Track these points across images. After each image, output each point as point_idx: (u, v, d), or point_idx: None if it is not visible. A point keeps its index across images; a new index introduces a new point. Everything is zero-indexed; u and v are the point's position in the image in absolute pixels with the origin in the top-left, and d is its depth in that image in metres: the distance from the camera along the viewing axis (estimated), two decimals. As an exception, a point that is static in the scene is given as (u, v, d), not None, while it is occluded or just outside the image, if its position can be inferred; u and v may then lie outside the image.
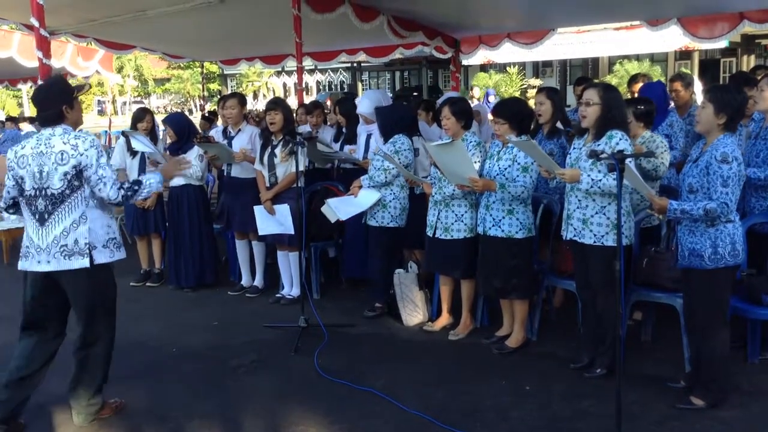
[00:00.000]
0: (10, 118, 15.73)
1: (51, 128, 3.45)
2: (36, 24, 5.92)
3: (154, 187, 3.69)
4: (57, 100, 3.47)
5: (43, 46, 6.01)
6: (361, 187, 5.30)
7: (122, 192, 3.48)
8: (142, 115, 6.37)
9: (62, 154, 3.36)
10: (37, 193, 3.41)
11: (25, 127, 13.67)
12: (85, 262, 3.38)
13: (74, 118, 3.54)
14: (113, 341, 3.74)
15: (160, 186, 3.79)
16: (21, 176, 3.44)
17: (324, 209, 5.33)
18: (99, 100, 44.31)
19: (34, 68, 7.06)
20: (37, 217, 3.42)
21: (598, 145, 3.79)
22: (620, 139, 3.77)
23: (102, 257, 3.47)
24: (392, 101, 6.46)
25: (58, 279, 3.45)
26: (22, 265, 3.49)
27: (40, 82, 3.81)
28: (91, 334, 3.58)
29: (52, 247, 3.38)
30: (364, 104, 5.83)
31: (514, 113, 4.39)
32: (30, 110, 30.79)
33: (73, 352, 3.62)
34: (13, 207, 3.62)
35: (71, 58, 12.11)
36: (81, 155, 3.36)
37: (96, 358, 3.62)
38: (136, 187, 3.57)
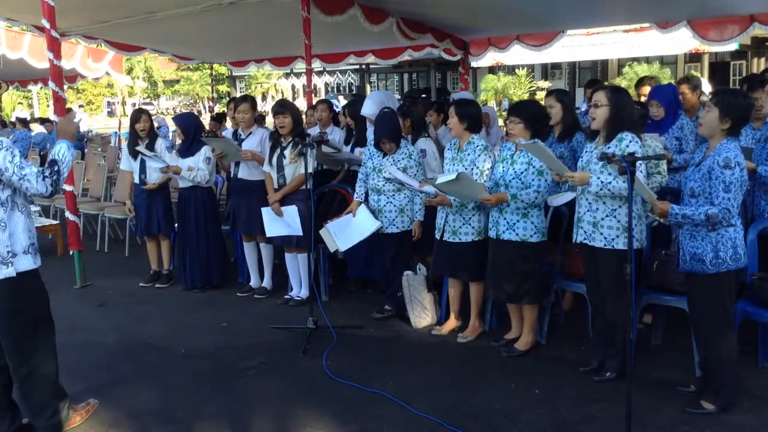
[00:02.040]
0: (20, 120, 15.82)
1: None
2: (47, 25, 5.97)
3: (68, 156, 3.32)
4: None
5: (54, 47, 6.06)
6: (360, 202, 5.31)
7: (48, 180, 3.18)
8: (138, 116, 6.38)
9: None
10: None
11: (36, 128, 13.76)
12: (10, 272, 3.17)
13: None
14: (53, 355, 3.45)
15: (73, 151, 3.41)
16: None
17: (323, 233, 5.31)
18: (108, 102, 44.51)
19: (45, 69, 7.10)
20: None
21: (609, 147, 3.78)
22: (630, 142, 3.76)
23: (24, 264, 3.25)
24: (399, 103, 6.44)
25: None
26: None
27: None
28: (23, 356, 3.31)
29: None
30: (368, 106, 5.82)
31: (530, 114, 4.37)
32: (40, 111, 31.00)
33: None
34: None
35: (81, 59, 12.20)
36: None
37: (34, 383, 3.35)
38: (55, 167, 3.23)
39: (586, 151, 4.05)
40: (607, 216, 3.86)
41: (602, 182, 3.74)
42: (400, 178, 4.78)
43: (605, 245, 3.88)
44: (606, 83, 10.63)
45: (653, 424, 3.51)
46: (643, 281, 4.26)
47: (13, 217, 3.25)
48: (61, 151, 3.32)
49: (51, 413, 3.43)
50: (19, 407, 3.52)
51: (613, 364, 4.03)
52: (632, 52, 24.06)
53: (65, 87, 6.50)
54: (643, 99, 6.16)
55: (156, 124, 6.69)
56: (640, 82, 6.85)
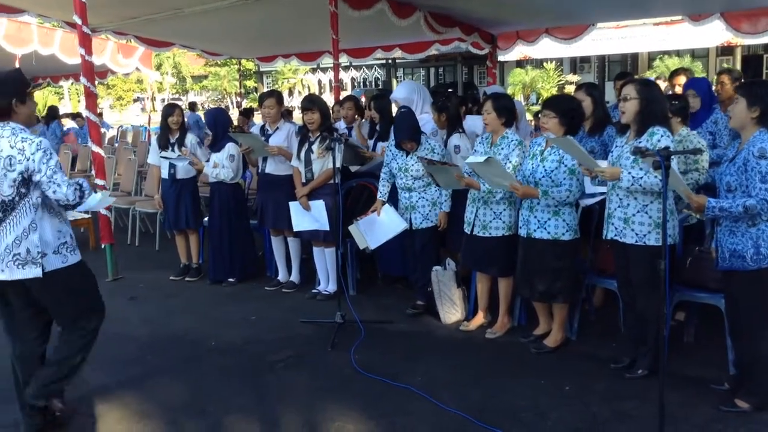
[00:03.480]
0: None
1: (1, 126, 3.27)
2: (79, 21, 6.04)
3: (98, 199, 3.57)
4: (6, 93, 3.28)
5: (85, 43, 6.13)
6: (384, 202, 5.30)
7: (78, 192, 3.32)
8: (171, 111, 6.44)
9: (10, 159, 3.20)
10: None
11: (67, 122, 13.96)
12: (38, 272, 3.26)
13: (25, 114, 3.35)
14: (93, 337, 3.59)
15: (99, 199, 3.61)
16: None
17: (352, 230, 5.31)
18: (138, 97, 45.06)
19: (76, 65, 7.20)
20: None
21: (640, 142, 3.72)
22: (662, 136, 3.69)
23: (53, 264, 3.33)
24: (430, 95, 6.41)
25: (25, 284, 3.33)
26: None
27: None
28: (68, 327, 3.52)
29: (5, 255, 3.25)
30: (399, 91, 5.86)
31: (566, 109, 4.28)
32: (71, 106, 31.44)
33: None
34: None
35: (112, 55, 12.34)
36: (27, 160, 3.20)
37: (69, 349, 3.53)
38: (83, 187, 3.38)
39: (617, 146, 4.00)
40: (638, 212, 3.80)
41: (633, 177, 3.69)
42: (435, 159, 4.82)
43: (636, 241, 3.82)
44: (636, 77, 10.48)
45: (686, 421, 3.46)
46: (676, 278, 4.19)
47: (43, 219, 3.33)
48: (95, 200, 3.51)
49: (48, 389, 3.49)
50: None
51: (644, 362, 3.97)
52: (663, 45, 23.67)
53: (96, 82, 6.58)
54: (678, 90, 6.06)
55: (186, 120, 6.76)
56: (675, 72, 6.74)
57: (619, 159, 3.88)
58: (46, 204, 3.34)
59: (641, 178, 3.66)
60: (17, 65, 12.67)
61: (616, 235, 3.91)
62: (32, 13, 8.80)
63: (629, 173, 3.70)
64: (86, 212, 3.36)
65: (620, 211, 3.87)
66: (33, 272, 3.27)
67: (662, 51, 25.32)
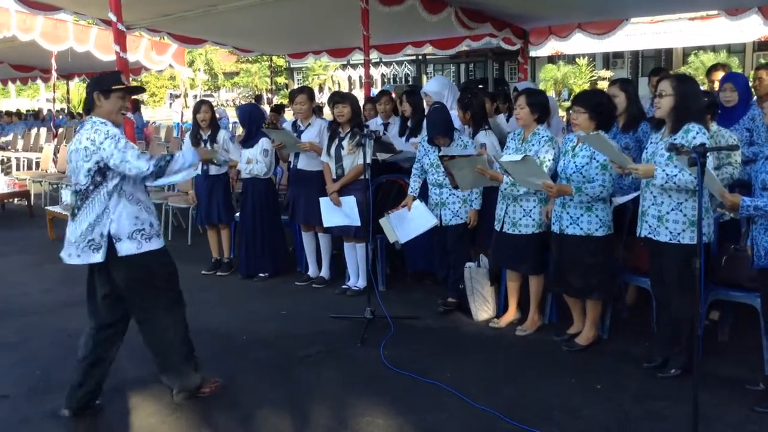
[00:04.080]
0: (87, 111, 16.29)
1: (89, 120, 3.47)
2: (114, 19, 6.11)
3: (189, 159, 3.56)
4: (93, 87, 3.48)
5: (120, 40, 6.20)
6: (415, 197, 5.30)
7: (152, 161, 3.42)
8: (199, 107, 6.53)
9: (86, 150, 3.37)
10: (74, 188, 3.49)
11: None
12: (101, 257, 3.41)
13: (107, 109, 3.47)
14: (178, 321, 3.74)
15: (195, 160, 3.62)
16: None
17: (383, 223, 5.31)
18: (171, 94, 45.55)
19: (111, 62, 7.30)
20: (70, 211, 3.52)
21: (675, 138, 3.66)
22: (697, 133, 3.63)
23: (128, 249, 3.45)
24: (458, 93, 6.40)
25: (108, 268, 3.50)
26: (62, 255, 3.57)
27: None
28: (143, 324, 3.65)
29: (80, 241, 3.43)
30: (432, 84, 5.89)
31: (596, 104, 4.23)
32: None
33: None
34: None
35: (145, 52, 12.49)
36: (99, 149, 3.35)
37: (160, 345, 3.68)
38: (168, 158, 3.50)
39: (651, 142, 3.94)
40: (672, 210, 3.75)
41: (668, 175, 3.64)
42: (466, 153, 4.82)
43: (670, 240, 3.77)
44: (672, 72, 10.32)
45: (720, 422, 3.41)
46: (711, 276, 4.12)
47: (118, 206, 3.44)
48: (185, 155, 3.57)
49: (177, 374, 3.72)
50: (97, 390, 3.71)
51: (677, 361, 3.93)
52: (698, 40, 23.28)
53: (130, 79, 6.67)
54: (716, 86, 5.96)
55: (216, 116, 6.81)
56: (713, 68, 6.62)
57: (653, 155, 3.83)
58: (123, 191, 3.46)
59: (675, 175, 3.61)
60: (53, 62, 12.95)
61: (649, 233, 3.87)
62: (68, 11, 8.93)
63: (663, 171, 3.65)
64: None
65: (654, 208, 3.82)
66: (101, 257, 3.41)
67: (697, 46, 24.86)
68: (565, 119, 8.74)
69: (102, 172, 3.38)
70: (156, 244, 3.59)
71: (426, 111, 6.19)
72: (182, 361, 3.74)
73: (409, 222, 5.27)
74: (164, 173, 3.47)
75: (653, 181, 3.72)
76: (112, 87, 3.50)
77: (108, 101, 3.48)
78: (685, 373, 3.83)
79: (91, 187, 3.40)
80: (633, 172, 3.78)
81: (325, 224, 5.68)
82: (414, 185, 5.33)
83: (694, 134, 3.63)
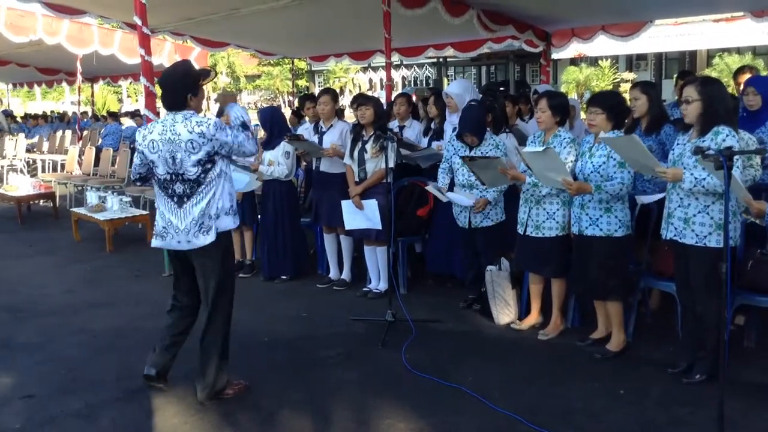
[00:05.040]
0: (111, 114, 16.50)
1: (173, 114, 3.58)
2: (139, 22, 6.18)
3: (245, 113, 3.83)
4: (183, 89, 3.60)
5: (145, 43, 6.26)
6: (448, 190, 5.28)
7: (253, 140, 3.71)
8: (221, 112, 6.56)
9: (191, 143, 3.50)
10: (174, 177, 3.58)
11: (126, 122, 14.34)
12: (213, 236, 3.58)
13: (196, 104, 3.66)
14: (230, 317, 3.85)
15: (244, 108, 3.90)
16: (152, 160, 3.63)
17: (430, 188, 5.32)
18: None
19: (135, 65, 7.39)
20: (175, 199, 3.61)
21: (704, 141, 3.62)
22: (727, 136, 3.58)
23: (225, 224, 3.66)
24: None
25: (189, 256, 3.66)
26: (159, 243, 3.73)
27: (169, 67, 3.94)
28: (215, 308, 3.73)
29: (191, 227, 3.58)
30: (454, 86, 5.91)
31: (612, 104, 4.21)
32: (131, 103, 32.29)
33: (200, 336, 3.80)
34: (140, 180, 3.86)
35: (169, 55, 12.62)
36: (211, 141, 3.51)
37: (216, 334, 3.77)
38: (248, 129, 3.73)
39: (678, 144, 3.89)
40: (699, 212, 3.71)
41: (696, 179, 3.59)
42: (484, 151, 4.88)
43: (697, 243, 3.73)
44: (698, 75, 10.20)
45: (746, 428, 3.37)
46: (737, 281, 4.07)
47: (223, 185, 3.66)
48: (238, 112, 3.80)
49: (215, 372, 3.77)
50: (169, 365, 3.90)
51: (703, 366, 3.88)
52: (723, 42, 22.97)
53: (155, 82, 6.73)
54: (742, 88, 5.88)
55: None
56: (740, 70, 6.54)
57: (680, 158, 3.78)
58: (225, 172, 3.67)
59: (704, 179, 3.56)
60: (79, 65, 13.13)
61: (675, 236, 3.82)
62: (93, 15, 9.04)
63: (691, 174, 3.61)
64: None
65: (680, 211, 3.78)
66: (211, 237, 3.58)
67: (722, 48, 24.54)
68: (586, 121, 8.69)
69: (212, 160, 3.56)
70: (238, 219, 3.82)
71: (446, 114, 6.19)
72: (223, 356, 3.82)
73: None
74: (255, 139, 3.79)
75: (681, 185, 3.68)
76: (200, 83, 3.68)
77: (197, 98, 3.66)
78: (711, 378, 3.78)
79: (202, 175, 3.56)
80: (661, 175, 3.75)
81: (347, 227, 5.69)
82: (444, 180, 5.30)
83: (723, 137, 3.58)
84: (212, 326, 3.76)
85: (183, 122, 3.53)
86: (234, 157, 3.91)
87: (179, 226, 3.61)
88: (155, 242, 3.74)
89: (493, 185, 4.85)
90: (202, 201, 3.57)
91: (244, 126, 3.73)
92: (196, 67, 3.89)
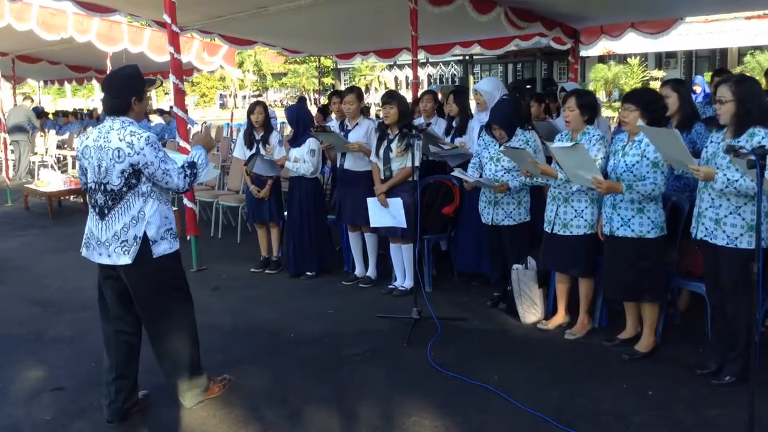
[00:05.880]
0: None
1: (112, 120, 3.42)
2: (168, 20, 6.26)
3: (204, 159, 3.67)
4: (129, 91, 3.44)
5: (175, 41, 6.34)
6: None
7: (187, 179, 3.50)
8: (253, 108, 6.62)
9: (118, 151, 3.32)
10: (97, 187, 3.43)
11: (155, 119, 14.50)
12: (129, 259, 3.38)
13: (139, 110, 3.50)
14: (188, 331, 3.70)
15: (206, 157, 3.72)
16: (84, 167, 3.51)
17: (456, 173, 5.30)
18: (221, 94, 46.35)
19: (163, 63, 7.47)
20: (97, 210, 3.45)
21: (738, 141, 3.55)
22: (763, 138, 3.50)
23: (160, 249, 3.46)
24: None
25: (119, 272, 3.47)
26: (85, 253, 3.57)
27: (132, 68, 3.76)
28: (156, 328, 3.60)
29: (112, 242, 3.39)
30: (483, 84, 5.91)
31: (646, 101, 4.14)
32: (157, 103, 32.62)
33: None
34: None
35: (197, 53, 12.73)
36: (137, 154, 3.31)
37: (167, 352, 3.64)
38: (194, 169, 3.56)
39: (711, 142, 3.82)
40: (730, 213, 3.65)
41: (728, 180, 3.53)
42: (514, 145, 4.87)
43: (728, 244, 3.67)
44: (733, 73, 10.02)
45: (777, 432, 3.31)
46: (768, 282, 4.00)
47: (152, 206, 3.45)
48: (201, 156, 3.66)
49: (189, 377, 3.70)
50: (137, 385, 3.74)
51: (733, 368, 3.82)
52: (755, 40, 22.62)
53: (183, 79, 6.80)
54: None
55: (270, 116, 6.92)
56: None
57: (714, 157, 3.72)
58: (154, 191, 3.46)
59: (737, 180, 3.50)
60: (109, 63, 13.29)
61: (706, 236, 3.77)
62: (123, 13, 9.16)
63: (724, 175, 3.56)
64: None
65: (712, 211, 3.73)
66: (129, 259, 3.38)
67: (754, 46, 24.14)
68: (615, 120, 8.59)
69: (137, 174, 3.37)
70: (178, 243, 3.63)
71: (473, 111, 6.18)
72: (193, 360, 3.74)
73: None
74: (193, 185, 3.63)
75: (713, 184, 3.62)
76: (145, 89, 3.56)
77: (141, 103, 3.51)
78: (741, 380, 3.73)
79: (124, 189, 3.37)
80: (694, 173, 3.69)
81: (372, 224, 5.70)
82: (473, 173, 5.28)
83: (759, 139, 3.51)
84: (163, 353, 3.65)
85: (118, 130, 3.36)
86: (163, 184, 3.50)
87: (100, 239, 3.44)
88: (83, 251, 3.58)
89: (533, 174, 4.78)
90: (124, 216, 3.38)
91: (191, 165, 3.55)
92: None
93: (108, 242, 3.42)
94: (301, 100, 18.80)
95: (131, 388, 3.67)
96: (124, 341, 3.64)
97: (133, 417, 3.68)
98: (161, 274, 3.52)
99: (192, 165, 3.57)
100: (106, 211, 3.41)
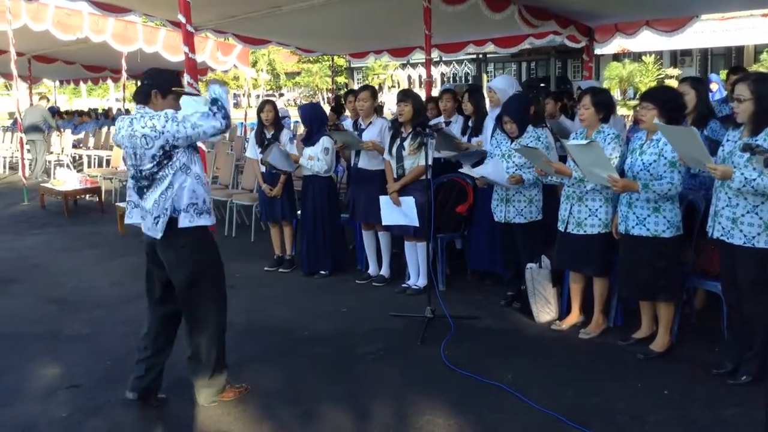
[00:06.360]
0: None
1: (137, 109, 3.57)
2: (183, 20, 6.27)
3: (223, 92, 3.61)
4: (154, 82, 3.57)
5: (189, 41, 6.36)
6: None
7: (218, 115, 3.49)
8: (263, 106, 6.64)
9: (145, 138, 3.43)
10: (136, 171, 3.58)
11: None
12: (165, 229, 3.50)
13: (161, 106, 3.55)
14: (221, 320, 3.77)
15: (225, 88, 3.68)
16: (125, 155, 3.67)
17: (466, 169, 5.34)
18: (235, 94, 46.48)
19: (178, 63, 7.50)
20: (136, 190, 3.65)
21: (756, 140, 3.52)
22: (782, 137, 3.48)
23: (185, 221, 3.55)
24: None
25: (157, 250, 3.61)
26: (129, 220, 3.79)
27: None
28: (189, 308, 3.67)
29: (147, 216, 3.57)
30: (498, 81, 5.91)
31: (665, 99, 4.11)
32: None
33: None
34: None
35: (211, 53, 12.80)
36: (162, 134, 3.41)
37: (200, 338, 3.69)
38: (219, 102, 3.54)
39: (728, 140, 3.79)
40: (747, 212, 3.62)
41: (746, 179, 3.49)
42: (525, 143, 4.84)
43: (744, 243, 3.64)
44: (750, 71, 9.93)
45: (795, 433, 3.28)
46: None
47: (179, 179, 3.52)
48: (216, 89, 3.60)
49: (210, 374, 3.74)
50: (159, 378, 3.81)
51: (749, 367, 3.79)
52: (771, 37, 22.44)
53: (197, 79, 6.83)
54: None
55: (280, 115, 6.93)
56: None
57: (731, 155, 3.69)
58: (187, 168, 3.54)
59: (754, 179, 3.47)
60: (124, 63, 13.40)
61: (722, 235, 3.74)
62: (138, 13, 9.20)
63: (742, 174, 3.52)
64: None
65: (728, 210, 3.69)
66: (161, 231, 3.51)
67: (770, 44, 23.96)
68: (630, 118, 8.54)
69: (168, 154, 3.47)
70: (207, 220, 3.67)
71: (488, 109, 6.16)
72: (218, 359, 3.76)
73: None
74: (229, 119, 3.62)
75: (730, 183, 3.59)
76: (171, 89, 3.62)
77: (164, 101, 3.57)
78: (757, 380, 3.71)
79: (156, 170, 3.50)
80: (711, 171, 3.66)
81: (384, 222, 5.70)
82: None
83: None
84: (193, 331, 3.70)
85: (139, 120, 3.48)
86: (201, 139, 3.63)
87: (145, 207, 3.60)
88: (127, 219, 3.81)
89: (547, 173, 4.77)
90: (155, 193, 3.52)
91: (213, 102, 3.55)
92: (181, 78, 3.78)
93: (144, 217, 3.60)
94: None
95: (159, 371, 3.79)
96: (168, 323, 3.80)
97: (150, 413, 3.71)
98: (187, 246, 3.58)
99: (214, 101, 3.57)
100: (145, 191, 3.57)
